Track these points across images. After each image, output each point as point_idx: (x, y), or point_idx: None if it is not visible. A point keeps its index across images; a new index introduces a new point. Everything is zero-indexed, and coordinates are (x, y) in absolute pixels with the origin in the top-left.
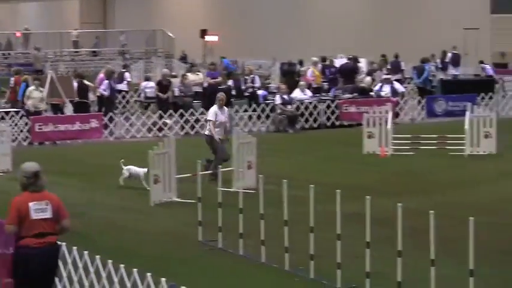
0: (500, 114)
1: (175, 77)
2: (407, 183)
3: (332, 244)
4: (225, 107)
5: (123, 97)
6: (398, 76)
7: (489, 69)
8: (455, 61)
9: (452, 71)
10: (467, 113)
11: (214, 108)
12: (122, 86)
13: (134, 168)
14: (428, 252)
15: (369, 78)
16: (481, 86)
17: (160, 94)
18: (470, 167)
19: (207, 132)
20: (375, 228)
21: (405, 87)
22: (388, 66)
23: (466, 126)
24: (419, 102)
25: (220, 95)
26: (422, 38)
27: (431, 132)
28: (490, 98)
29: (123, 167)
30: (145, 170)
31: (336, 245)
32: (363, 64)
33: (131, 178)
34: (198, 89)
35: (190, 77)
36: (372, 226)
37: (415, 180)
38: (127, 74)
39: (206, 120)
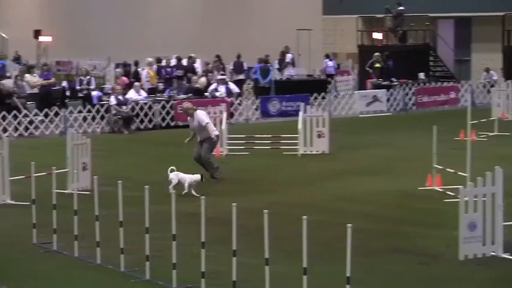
0: (332, 114)
1: (8, 78)
2: (242, 183)
3: (168, 244)
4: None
5: None
6: (241, 76)
7: (331, 67)
8: (293, 62)
9: (291, 71)
10: (301, 113)
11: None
12: None
13: (182, 175)
14: (263, 251)
15: (203, 79)
16: (314, 86)
17: None
18: (303, 167)
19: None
20: (210, 228)
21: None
22: (231, 67)
23: (300, 126)
24: (253, 102)
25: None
26: (257, 39)
27: (265, 132)
28: (323, 98)
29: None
30: (196, 176)
31: (171, 245)
32: (198, 65)
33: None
34: (36, 90)
35: (28, 78)
36: (207, 226)
37: (249, 179)
38: None
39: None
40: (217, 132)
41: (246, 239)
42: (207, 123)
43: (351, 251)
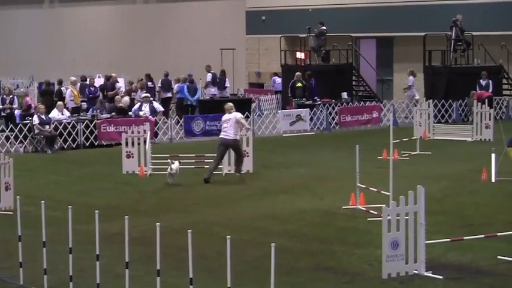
0: (256, 133)
1: None
2: (166, 202)
3: (91, 264)
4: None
5: None
6: (169, 94)
7: (278, 83)
8: (214, 81)
9: (211, 90)
10: None
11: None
12: None
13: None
14: (187, 270)
15: (127, 98)
16: (238, 106)
17: None
18: (228, 186)
19: (237, 137)
20: (134, 247)
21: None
22: (159, 85)
23: None
24: (177, 121)
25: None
26: (184, 58)
27: (189, 151)
28: (247, 117)
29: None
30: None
31: (95, 265)
32: (121, 84)
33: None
34: None
35: None
36: (131, 245)
37: (174, 199)
38: None
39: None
40: (237, 137)
41: (170, 258)
42: (242, 117)
43: (275, 270)
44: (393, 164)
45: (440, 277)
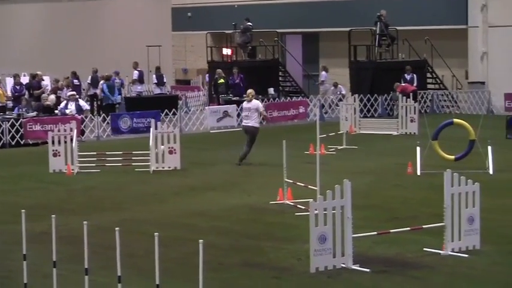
0: (183, 130)
1: None
2: (94, 201)
3: (18, 264)
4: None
5: None
6: (97, 90)
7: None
8: (141, 78)
9: (138, 88)
10: (152, 130)
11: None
12: None
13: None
14: (115, 269)
15: (53, 96)
16: (165, 103)
17: None
18: (155, 183)
19: (256, 125)
20: (62, 246)
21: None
22: (88, 81)
23: (151, 143)
24: (104, 119)
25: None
26: (111, 56)
27: (117, 149)
28: (174, 114)
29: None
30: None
31: (22, 265)
32: (47, 82)
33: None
34: None
35: None
36: (58, 245)
37: (101, 197)
38: None
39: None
40: (256, 124)
41: (98, 257)
42: (263, 110)
43: (203, 266)
44: (320, 158)
45: (368, 270)
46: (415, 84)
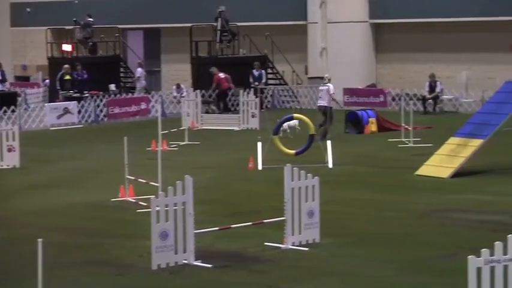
0: (23, 128)
1: None
2: None
3: None
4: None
5: None
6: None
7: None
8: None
9: None
10: None
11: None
12: None
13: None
14: None
15: None
16: (3, 100)
17: None
18: None
19: (327, 104)
20: None
21: None
22: None
23: None
24: None
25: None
26: None
27: None
28: (13, 111)
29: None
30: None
31: None
32: None
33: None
34: None
35: None
36: None
37: None
38: None
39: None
40: (326, 103)
41: None
42: (333, 93)
43: (44, 265)
44: (162, 154)
45: (210, 266)
46: (263, 80)
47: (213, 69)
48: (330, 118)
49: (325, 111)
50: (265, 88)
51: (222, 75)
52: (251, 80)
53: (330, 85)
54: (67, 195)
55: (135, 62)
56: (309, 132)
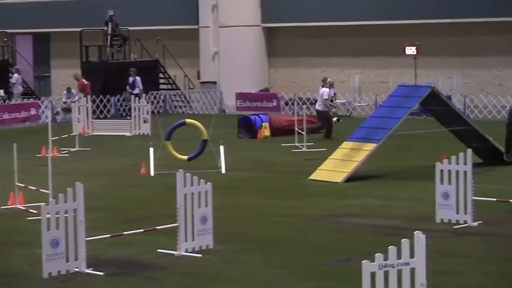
0: None
1: None
2: None
3: None
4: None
5: None
6: None
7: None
8: None
9: None
10: None
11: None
12: None
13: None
14: None
15: None
16: None
17: None
18: None
19: (319, 108)
20: None
21: None
22: None
23: None
24: None
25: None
26: None
27: None
28: None
29: None
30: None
31: None
32: None
33: None
34: None
35: None
36: None
37: None
38: None
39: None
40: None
41: None
42: (326, 98)
43: None
44: (53, 161)
45: (102, 273)
46: (140, 87)
47: (77, 75)
48: (326, 121)
49: (319, 115)
50: (140, 94)
51: (85, 81)
52: (127, 87)
53: (325, 89)
54: None
55: (25, 67)
56: (202, 137)
